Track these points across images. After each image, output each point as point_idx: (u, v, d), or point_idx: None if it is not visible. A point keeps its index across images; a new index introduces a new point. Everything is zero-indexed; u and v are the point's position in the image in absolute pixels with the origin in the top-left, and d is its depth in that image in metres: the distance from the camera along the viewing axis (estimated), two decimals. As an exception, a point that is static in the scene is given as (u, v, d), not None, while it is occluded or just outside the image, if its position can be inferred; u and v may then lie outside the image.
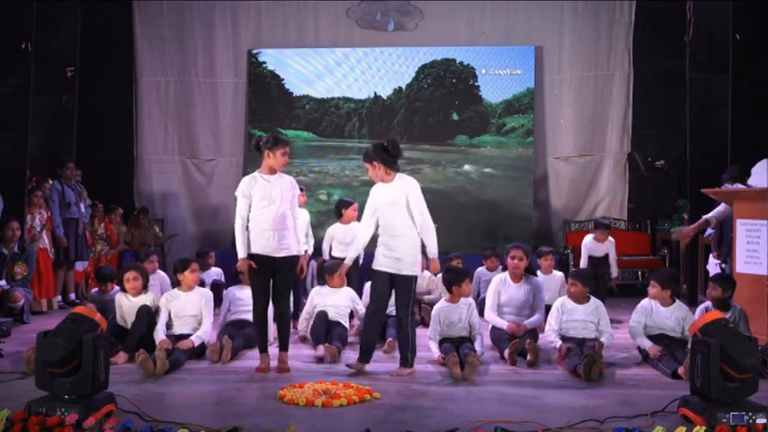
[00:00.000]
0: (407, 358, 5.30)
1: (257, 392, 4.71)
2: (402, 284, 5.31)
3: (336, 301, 6.47)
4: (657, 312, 5.77)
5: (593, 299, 5.90)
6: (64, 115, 9.36)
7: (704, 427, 3.85)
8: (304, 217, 7.13)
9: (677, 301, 5.84)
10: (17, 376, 4.97)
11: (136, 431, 3.84)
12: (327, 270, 6.60)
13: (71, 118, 9.41)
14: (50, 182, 8.34)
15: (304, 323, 6.56)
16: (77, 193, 8.54)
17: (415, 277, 5.36)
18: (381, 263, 5.35)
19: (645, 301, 5.86)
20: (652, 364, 5.55)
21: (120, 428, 3.83)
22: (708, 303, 5.87)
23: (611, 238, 8.28)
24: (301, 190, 7.29)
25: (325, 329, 6.14)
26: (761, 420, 3.91)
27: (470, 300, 5.94)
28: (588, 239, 8.28)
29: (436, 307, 5.91)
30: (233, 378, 5.12)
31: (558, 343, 5.63)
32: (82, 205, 8.55)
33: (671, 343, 5.63)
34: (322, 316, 6.30)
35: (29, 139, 8.04)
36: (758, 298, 5.90)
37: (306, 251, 6.82)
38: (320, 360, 5.69)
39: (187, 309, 5.89)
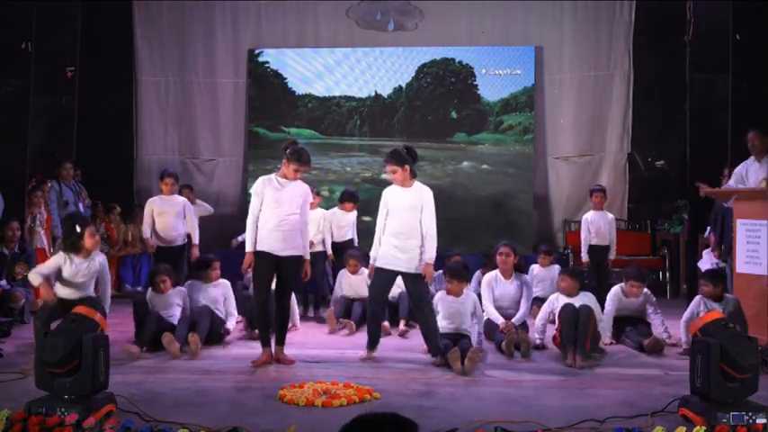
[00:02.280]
0: (439, 347, 5.58)
1: (257, 392, 4.71)
2: (417, 282, 5.71)
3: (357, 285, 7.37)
4: (628, 299, 6.50)
5: (582, 292, 6.19)
6: (64, 115, 9.34)
7: (704, 427, 3.85)
8: (318, 218, 7.82)
9: (644, 289, 6.55)
10: (17, 376, 4.96)
11: (136, 431, 3.84)
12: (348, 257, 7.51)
13: (71, 118, 9.39)
14: (49, 184, 8.33)
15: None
16: (76, 193, 8.54)
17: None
18: (392, 262, 5.67)
19: (616, 289, 6.53)
20: (621, 340, 6.36)
21: (120, 428, 3.84)
22: (699, 297, 6.13)
23: (609, 214, 8.37)
24: (315, 193, 7.82)
25: (345, 308, 7.21)
26: (761, 420, 3.91)
27: (473, 294, 6.18)
28: (588, 214, 8.31)
29: (439, 295, 6.14)
30: (233, 378, 5.13)
31: (537, 341, 6.21)
32: (80, 205, 8.54)
33: (638, 323, 6.42)
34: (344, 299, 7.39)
35: (29, 139, 8.03)
36: (758, 298, 5.91)
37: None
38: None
39: (209, 300, 6.39)
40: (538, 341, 6.22)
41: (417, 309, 5.81)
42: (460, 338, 5.77)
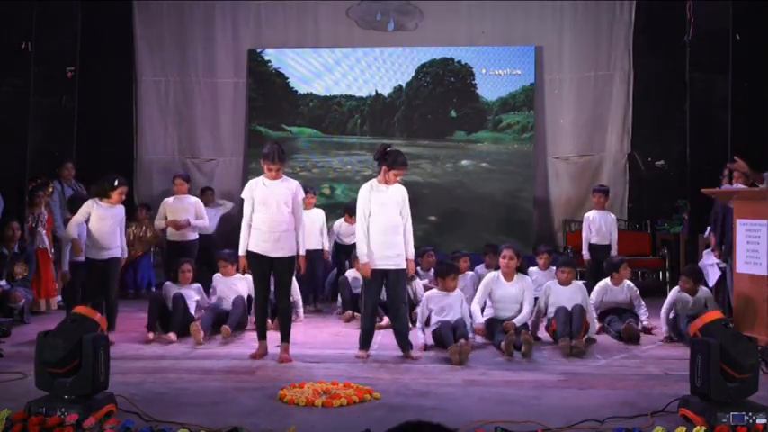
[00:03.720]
0: (409, 343, 5.85)
1: (257, 392, 4.72)
2: (401, 278, 5.85)
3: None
4: (612, 290, 6.99)
5: (574, 281, 6.68)
6: (64, 115, 9.34)
7: (704, 427, 3.85)
8: (318, 217, 8.30)
9: (626, 281, 7.06)
10: (17, 376, 4.96)
11: (136, 431, 3.84)
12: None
13: (71, 118, 9.39)
14: (51, 187, 8.31)
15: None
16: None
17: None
18: (384, 262, 5.76)
19: (601, 282, 7.07)
20: (606, 330, 6.78)
21: (120, 428, 3.84)
22: (676, 288, 6.76)
23: (611, 214, 8.55)
24: (312, 193, 8.43)
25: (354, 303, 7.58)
26: (761, 420, 3.91)
27: (461, 293, 6.42)
28: (590, 213, 8.49)
29: (428, 293, 6.38)
30: (233, 378, 5.13)
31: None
32: (83, 204, 8.54)
33: (624, 312, 6.87)
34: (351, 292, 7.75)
35: (29, 139, 8.03)
36: (758, 298, 5.91)
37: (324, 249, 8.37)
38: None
39: (231, 292, 6.95)
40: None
41: (395, 306, 5.88)
42: (457, 327, 6.06)
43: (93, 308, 5.96)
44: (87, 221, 6.39)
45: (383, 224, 5.77)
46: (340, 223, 8.83)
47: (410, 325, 6.22)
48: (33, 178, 8.20)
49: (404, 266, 5.84)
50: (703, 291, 6.72)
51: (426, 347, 6.12)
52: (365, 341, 5.89)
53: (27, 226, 7.84)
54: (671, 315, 6.64)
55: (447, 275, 6.29)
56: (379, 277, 5.81)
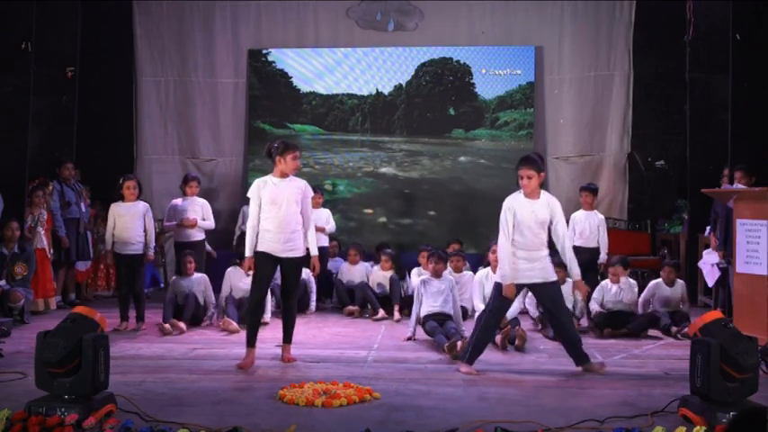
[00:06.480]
0: (585, 355, 5.40)
1: (257, 392, 4.71)
2: (553, 291, 5.42)
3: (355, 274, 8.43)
4: (612, 290, 7.02)
5: (567, 280, 6.45)
6: (64, 115, 9.34)
7: (704, 427, 3.85)
8: (325, 216, 8.66)
9: (628, 279, 7.15)
10: (17, 376, 4.96)
11: (136, 431, 3.84)
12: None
13: (71, 118, 9.39)
14: (51, 186, 8.31)
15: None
16: (77, 193, 8.53)
17: None
18: (525, 275, 5.30)
19: (603, 282, 7.15)
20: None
21: (120, 428, 3.83)
22: (659, 281, 7.15)
23: (599, 214, 8.00)
24: (320, 193, 8.68)
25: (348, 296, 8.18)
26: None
27: (452, 279, 6.60)
28: (577, 213, 7.88)
29: (422, 279, 6.59)
30: (233, 378, 5.13)
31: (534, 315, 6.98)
32: (82, 204, 8.54)
33: (623, 316, 6.91)
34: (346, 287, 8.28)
35: (29, 139, 8.03)
36: (758, 298, 5.91)
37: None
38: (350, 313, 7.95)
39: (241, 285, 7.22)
40: (534, 316, 7.04)
41: (557, 319, 5.48)
42: (445, 320, 6.26)
43: (123, 297, 7.08)
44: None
45: (520, 242, 5.26)
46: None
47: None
48: (33, 178, 8.20)
49: (553, 278, 5.38)
50: (680, 283, 7.14)
51: (410, 339, 6.44)
52: (473, 354, 5.35)
53: (27, 226, 7.84)
54: (650, 306, 7.09)
55: (442, 263, 6.61)
56: (516, 292, 5.41)
